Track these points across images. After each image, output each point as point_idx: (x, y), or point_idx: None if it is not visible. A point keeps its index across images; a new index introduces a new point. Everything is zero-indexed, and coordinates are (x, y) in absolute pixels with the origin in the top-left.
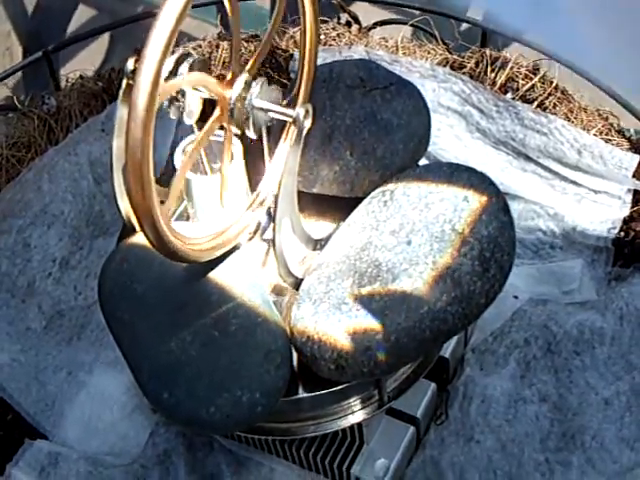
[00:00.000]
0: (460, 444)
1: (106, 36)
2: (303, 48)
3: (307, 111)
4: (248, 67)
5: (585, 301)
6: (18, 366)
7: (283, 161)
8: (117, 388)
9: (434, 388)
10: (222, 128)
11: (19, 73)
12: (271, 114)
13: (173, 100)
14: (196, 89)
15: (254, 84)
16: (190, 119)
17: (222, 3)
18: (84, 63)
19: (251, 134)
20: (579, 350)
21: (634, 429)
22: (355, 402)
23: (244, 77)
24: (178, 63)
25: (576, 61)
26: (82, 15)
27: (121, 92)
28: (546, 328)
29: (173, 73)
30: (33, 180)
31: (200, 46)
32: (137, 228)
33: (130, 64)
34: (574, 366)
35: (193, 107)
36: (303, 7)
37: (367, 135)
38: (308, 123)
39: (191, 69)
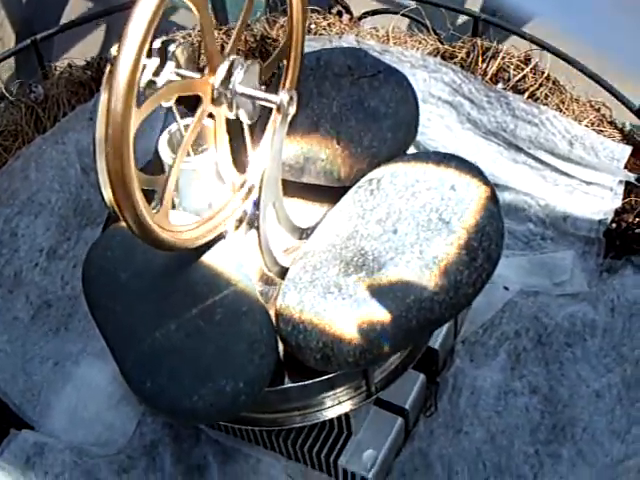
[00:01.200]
0: (449, 436)
1: (102, 25)
2: (290, 35)
3: (291, 97)
4: (227, 51)
5: (576, 293)
6: (4, 356)
7: (268, 148)
8: (104, 379)
9: (423, 379)
10: (211, 116)
11: (12, 62)
12: (255, 100)
13: (151, 84)
14: (180, 75)
15: (237, 70)
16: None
17: None
18: (80, 52)
19: (244, 120)
20: (570, 342)
21: (624, 421)
22: (342, 392)
23: (226, 63)
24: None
25: (595, 44)
26: (75, 3)
27: (104, 78)
28: (537, 320)
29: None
30: (20, 169)
31: (190, 35)
32: (119, 216)
33: (114, 50)
34: (565, 358)
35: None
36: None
37: (354, 123)
38: (292, 109)
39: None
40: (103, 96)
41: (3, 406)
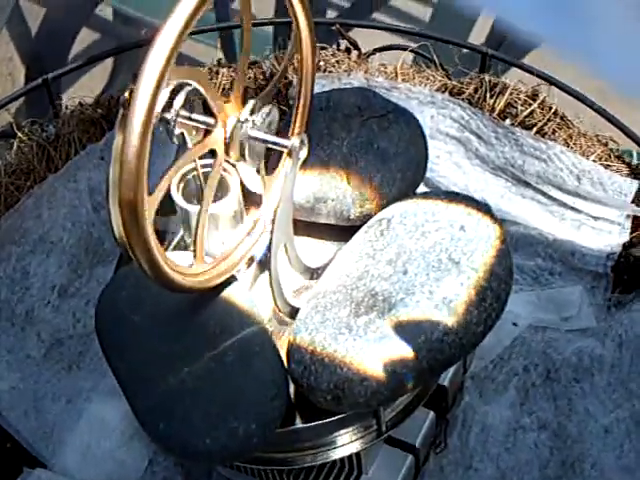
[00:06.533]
0: (459, 473)
1: (109, 60)
2: (300, 80)
3: (302, 141)
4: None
5: (584, 328)
6: (17, 394)
7: (279, 190)
8: (116, 416)
9: (433, 417)
10: (213, 153)
11: (21, 98)
12: (267, 144)
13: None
14: (189, 117)
15: (250, 114)
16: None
17: (224, 29)
18: (87, 87)
19: (248, 164)
20: (578, 377)
21: (633, 456)
22: (353, 431)
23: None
24: (174, 93)
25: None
26: (85, 39)
27: (117, 122)
28: (545, 355)
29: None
30: (32, 208)
31: (205, 72)
32: (132, 259)
33: (127, 94)
34: (573, 393)
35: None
36: (300, 44)
37: (364, 163)
38: (303, 154)
39: (187, 99)
40: (117, 139)
41: (16, 444)
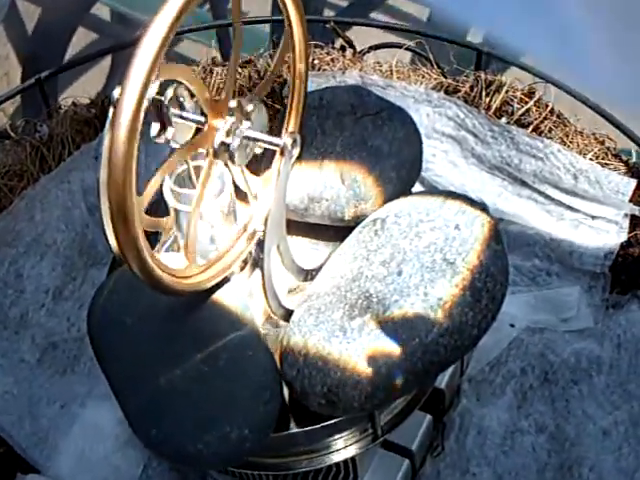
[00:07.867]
0: (456, 476)
1: (107, 61)
2: (293, 78)
3: (295, 140)
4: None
5: (582, 329)
6: (11, 398)
7: (272, 191)
8: (110, 421)
9: (430, 420)
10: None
11: (18, 99)
12: (259, 142)
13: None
14: (181, 117)
15: (241, 112)
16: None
17: (221, 27)
18: (84, 89)
19: (238, 162)
20: (576, 379)
21: (632, 460)
22: (348, 436)
23: (234, 104)
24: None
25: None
26: (82, 39)
27: (108, 121)
28: (543, 357)
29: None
30: (25, 209)
31: (193, 71)
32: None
33: (116, 92)
34: (571, 395)
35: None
36: (293, 42)
37: (358, 163)
38: (296, 152)
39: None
40: (106, 139)
41: (10, 449)
